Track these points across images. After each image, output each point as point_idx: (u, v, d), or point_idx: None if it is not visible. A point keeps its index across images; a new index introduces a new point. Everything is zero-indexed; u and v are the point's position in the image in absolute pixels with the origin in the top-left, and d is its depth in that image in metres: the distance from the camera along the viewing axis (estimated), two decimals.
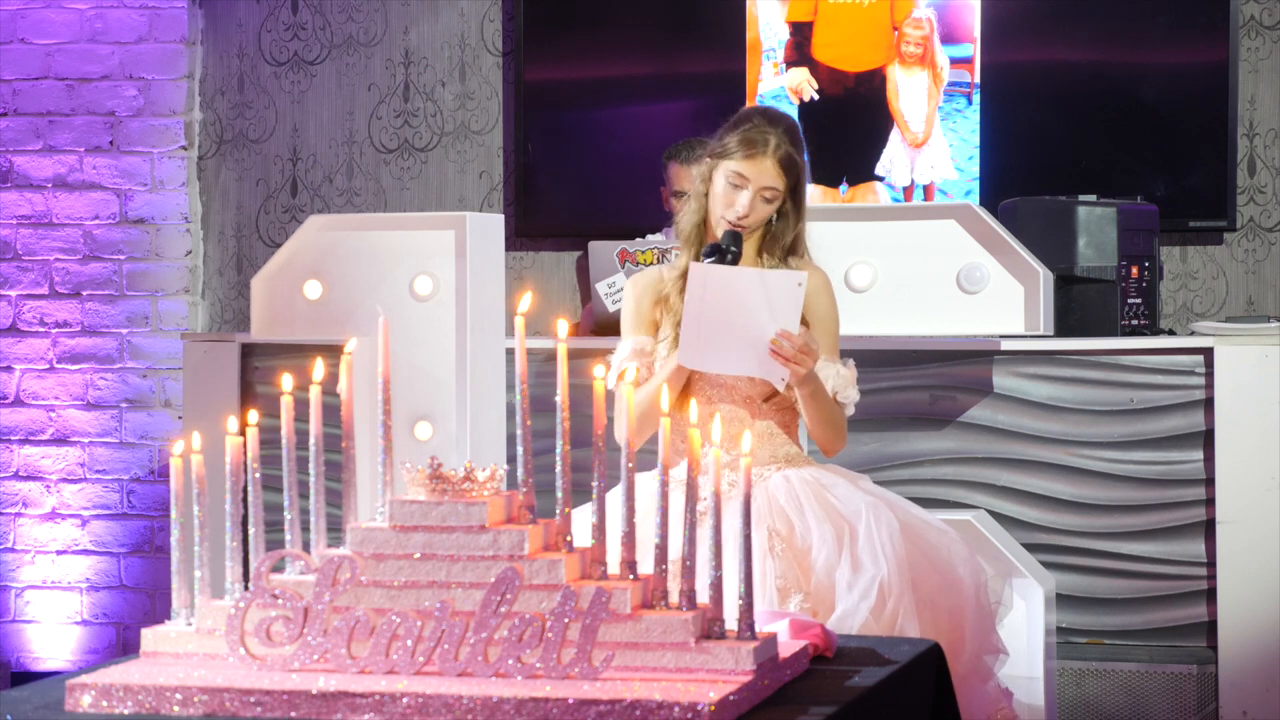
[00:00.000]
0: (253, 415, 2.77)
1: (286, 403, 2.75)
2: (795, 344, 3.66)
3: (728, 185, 3.81)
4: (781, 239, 3.88)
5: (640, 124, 6.11)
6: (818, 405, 3.80)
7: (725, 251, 3.79)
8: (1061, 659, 4.80)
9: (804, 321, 3.83)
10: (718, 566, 2.56)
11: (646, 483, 3.60)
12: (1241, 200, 5.77)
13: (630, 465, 2.62)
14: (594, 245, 5.25)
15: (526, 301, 2.77)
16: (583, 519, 3.21)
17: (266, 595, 2.60)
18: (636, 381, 3.81)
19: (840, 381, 3.86)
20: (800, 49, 6.05)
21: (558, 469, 2.63)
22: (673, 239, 4.58)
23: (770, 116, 3.90)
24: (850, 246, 4.70)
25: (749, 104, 5.92)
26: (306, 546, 2.76)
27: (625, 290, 3.99)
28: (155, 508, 6.28)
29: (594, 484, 2.63)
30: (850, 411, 3.90)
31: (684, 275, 3.83)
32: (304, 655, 2.57)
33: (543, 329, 5.27)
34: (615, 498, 3.47)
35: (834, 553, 3.67)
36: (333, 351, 3.34)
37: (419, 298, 4.73)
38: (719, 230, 3.84)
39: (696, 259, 3.83)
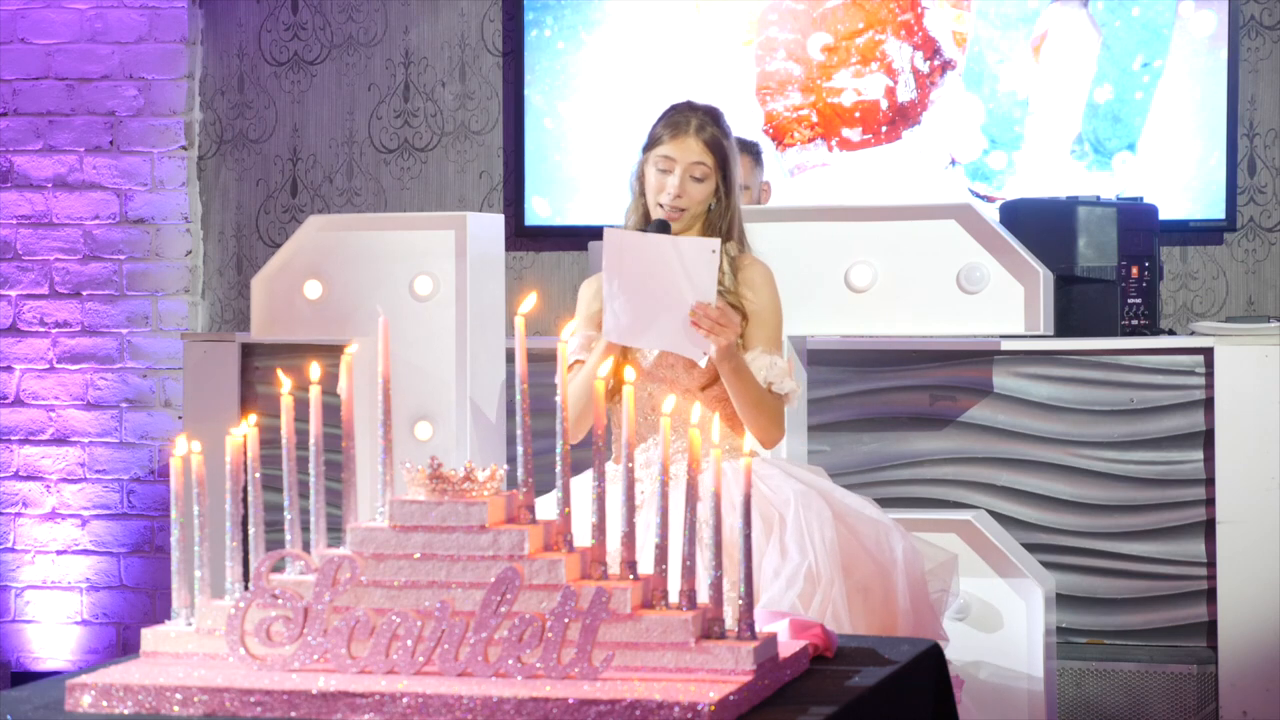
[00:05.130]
0: (252, 418, 2.77)
1: (286, 403, 2.75)
2: (712, 314, 3.66)
3: (658, 173, 3.88)
4: (718, 226, 3.91)
5: (641, 123, 6.11)
6: (742, 384, 3.79)
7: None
8: (1061, 659, 4.80)
9: (743, 314, 3.85)
10: (718, 566, 2.56)
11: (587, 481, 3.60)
12: (1241, 200, 5.77)
13: (630, 465, 2.62)
14: (594, 245, 5.25)
15: (530, 302, 2.77)
16: (547, 505, 3.21)
17: (266, 595, 2.60)
18: (609, 377, 3.81)
19: (775, 372, 3.85)
20: None
21: (558, 469, 2.63)
22: None
23: (692, 103, 4.00)
24: (850, 246, 4.70)
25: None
26: (306, 546, 2.76)
27: (580, 293, 4.03)
28: (155, 508, 6.28)
29: (593, 483, 2.63)
30: (792, 404, 3.89)
31: None
32: (304, 655, 2.57)
33: (543, 329, 5.28)
34: (581, 484, 3.48)
35: (761, 541, 3.68)
36: (333, 351, 3.34)
37: (419, 298, 4.73)
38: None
39: None
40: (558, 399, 2.65)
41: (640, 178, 3.95)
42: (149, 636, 2.67)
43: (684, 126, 3.88)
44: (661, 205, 3.87)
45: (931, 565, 3.90)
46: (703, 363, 3.75)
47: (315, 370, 2.75)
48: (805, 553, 3.66)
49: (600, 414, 2.67)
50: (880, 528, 3.81)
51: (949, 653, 3.85)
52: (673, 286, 3.66)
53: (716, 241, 3.70)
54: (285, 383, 2.77)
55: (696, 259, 3.66)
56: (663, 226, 3.85)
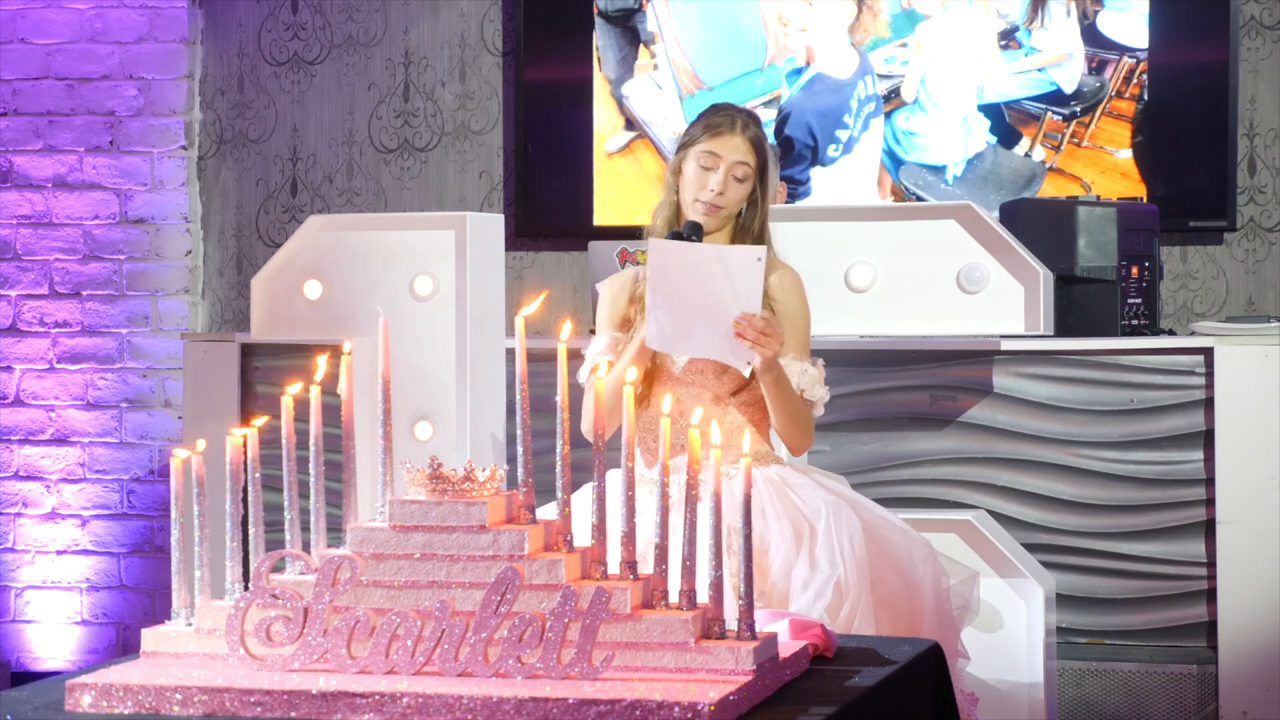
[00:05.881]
0: (258, 421, 2.77)
1: (286, 403, 2.75)
2: (758, 326, 3.64)
3: (699, 168, 3.84)
4: (751, 229, 3.90)
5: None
6: (782, 395, 3.78)
7: (686, 239, 3.79)
8: (1061, 659, 4.80)
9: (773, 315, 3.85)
10: (718, 566, 2.56)
11: (616, 480, 3.61)
12: (1241, 200, 5.77)
13: (630, 465, 2.62)
14: (594, 245, 5.25)
15: (534, 306, 2.77)
16: (578, 506, 3.21)
17: (266, 595, 2.60)
18: (637, 382, 3.81)
19: (807, 379, 3.84)
20: None
21: (558, 469, 2.63)
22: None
23: (733, 105, 3.98)
24: (850, 246, 4.70)
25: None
26: (306, 546, 2.77)
27: (602, 289, 4.00)
28: (155, 508, 6.28)
29: (594, 484, 2.63)
30: (820, 411, 3.89)
31: None
32: (304, 655, 2.57)
33: (543, 329, 5.28)
34: (584, 496, 3.48)
35: (791, 551, 3.67)
36: (333, 351, 3.33)
37: (419, 298, 4.73)
38: (692, 217, 3.86)
39: None
40: (558, 399, 2.65)
41: (676, 172, 3.92)
42: (149, 636, 2.67)
43: (730, 125, 3.86)
44: (700, 202, 3.84)
45: (952, 581, 3.89)
46: (746, 372, 3.74)
47: (320, 369, 2.75)
48: (835, 564, 3.65)
49: (602, 417, 2.67)
50: (908, 541, 3.81)
51: (969, 669, 3.85)
52: (717, 297, 3.64)
53: (763, 250, 3.67)
54: (293, 387, 2.77)
55: (742, 269, 3.64)
56: (695, 229, 3.83)
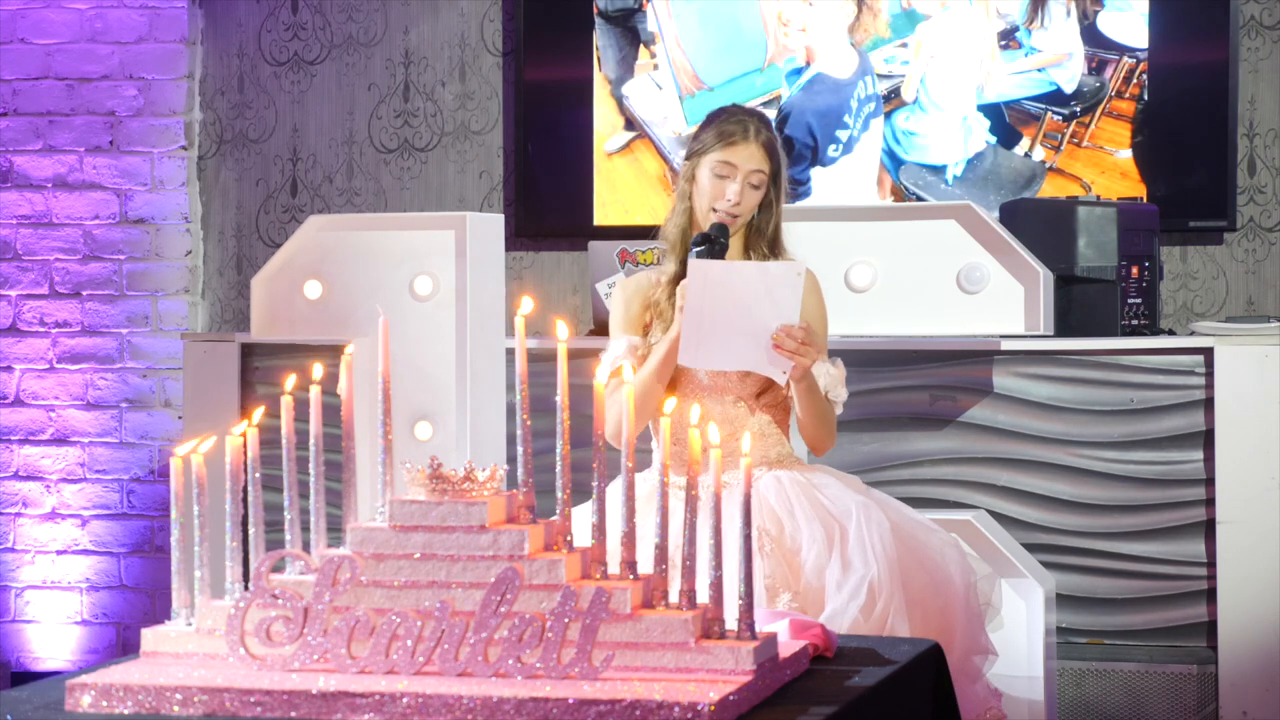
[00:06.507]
0: (257, 415, 2.77)
1: (286, 403, 2.75)
2: (797, 337, 3.66)
3: (714, 177, 3.84)
4: (765, 231, 3.90)
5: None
6: (813, 401, 3.81)
7: (714, 241, 3.79)
8: (1061, 659, 4.80)
9: None
10: (718, 566, 2.56)
11: (643, 480, 3.62)
12: (1241, 200, 5.77)
13: (630, 465, 2.62)
14: (594, 245, 5.26)
15: (527, 305, 2.78)
16: (582, 517, 3.22)
17: (266, 595, 2.60)
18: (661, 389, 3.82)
19: (830, 380, 3.86)
20: None
21: (558, 469, 2.63)
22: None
23: (744, 109, 3.98)
24: (850, 246, 4.70)
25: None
26: (306, 546, 2.77)
27: (615, 291, 4.00)
28: (155, 508, 6.28)
29: (594, 484, 2.63)
30: (839, 410, 3.90)
31: (674, 281, 3.85)
32: (304, 655, 2.57)
33: (543, 329, 5.28)
34: (611, 493, 3.48)
35: (824, 552, 3.68)
36: (333, 351, 3.34)
37: (419, 298, 4.73)
38: (708, 225, 3.86)
39: (685, 260, 3.85)
40: (557, 399, 2.65)
41: (689, 180, 3.91)
42: (149, 636, 2.67)
43: (743, 133, 3.85)
44: (716, 211, 3.85)
45: (974, 578, 3.90)
46: (782, 382, 3.75)
47: (317, 370, 2.75)
48: (868, 564, 3.66)
49: (612, 421, 2.67)
50: (936, 540, 3.82)
51: (996, 668, 3.86)
52: (756, 310, 3.66)
53: (803, 266, 3.69)
54: (289, 383, 2.77)
55: (782, 283, 3.66)
56: (722, 230, 3.83)
